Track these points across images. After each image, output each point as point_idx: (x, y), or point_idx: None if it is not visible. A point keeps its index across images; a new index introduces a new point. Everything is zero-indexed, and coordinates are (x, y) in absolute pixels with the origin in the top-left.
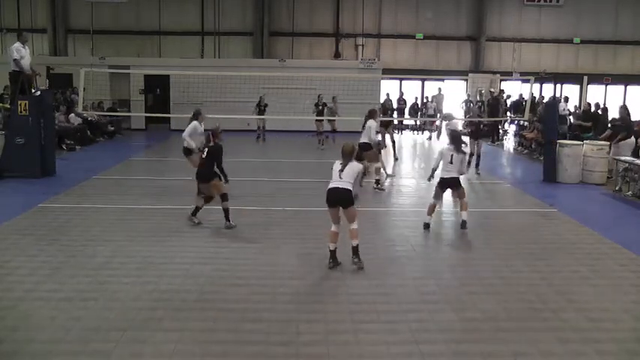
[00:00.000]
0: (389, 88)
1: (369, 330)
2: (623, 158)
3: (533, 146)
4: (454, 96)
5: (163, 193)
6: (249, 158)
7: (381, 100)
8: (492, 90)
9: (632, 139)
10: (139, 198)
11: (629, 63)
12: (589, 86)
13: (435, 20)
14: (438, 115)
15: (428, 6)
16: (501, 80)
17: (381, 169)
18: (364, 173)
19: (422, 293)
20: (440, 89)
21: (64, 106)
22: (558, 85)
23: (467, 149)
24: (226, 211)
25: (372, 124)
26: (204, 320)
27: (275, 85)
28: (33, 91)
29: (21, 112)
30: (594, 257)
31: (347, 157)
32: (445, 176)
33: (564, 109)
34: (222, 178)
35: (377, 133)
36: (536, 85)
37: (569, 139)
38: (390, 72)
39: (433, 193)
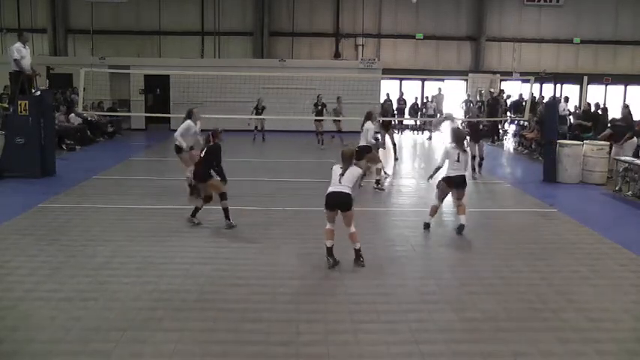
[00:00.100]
0: (389, 88)
1: (369, 330)
2: (623, 158)
3: (533, 146)
4: (454, 96)
5: (163, 193)
6: (250, 158)
7: (381, 100)
8: (492, 90)
9: (635, 139)
10: (139, 198)
11: (629, 63)
12: (589, 86)
13: (435, 20)
14: (438, 115)
15: (428, 6)
16: (501, 80)
17: (382, 170)
18: (364, 174)
19: (422, 293)
20: (440, 89)
21: (64, 106)
22: (558, 85)
23: (467, 150)
24: (226, 210)
25: (369, 126)
26: (204, 320)
27: (275, 85)
28: (33, 91)
29: (21, 112)
30: (594, 257)
31: (347, 161)
32: (452, 175)
33: (564, 110)
34: (221, 178)
35: (376, 133)
36: (536, 85)
37: (569, 139)
38: (390, 72)
39: (437, 193)
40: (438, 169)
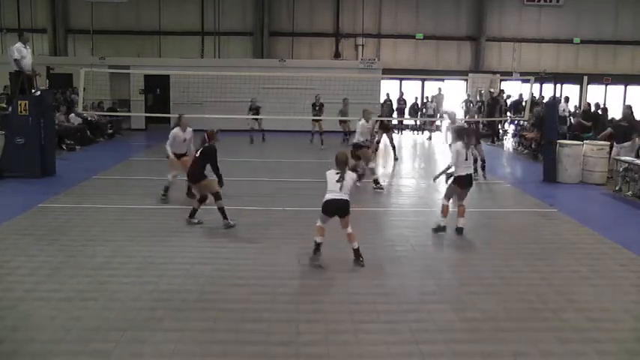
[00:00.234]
0: (389, 88)
1: (369, 330)
2: (623, 158)
3: (533, 146)
4: (454, 96)
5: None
6: (249, 158)
7: (381, 100)
8: (492, 90)
9: (638, 140)
10: (139, 198)
11: (629, 63)
12: (589, 86)
13: (435, 20)
14: (438, 115)
15: (428, 6)
16: (501, 80)
17: (375, 169)
18: (362, 175)
19: (422, 293)
20: (440, 89)
21: (65, 106)
22: (558, 85)
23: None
24: (221, 209)
25: (361, 124)
26: (204, 320)
27: (275, 85)
28: (33, 91)
29: (21, 112)
30: (594, 257)
31: (342, 165)
32: (463, 173)
33: (564, 110)
34: (218, 180)
35: (375, 133)
36: (536, 85)
37: (569, 139)
38: (390, 72)
39: (448, 192)
40: (448, 169)
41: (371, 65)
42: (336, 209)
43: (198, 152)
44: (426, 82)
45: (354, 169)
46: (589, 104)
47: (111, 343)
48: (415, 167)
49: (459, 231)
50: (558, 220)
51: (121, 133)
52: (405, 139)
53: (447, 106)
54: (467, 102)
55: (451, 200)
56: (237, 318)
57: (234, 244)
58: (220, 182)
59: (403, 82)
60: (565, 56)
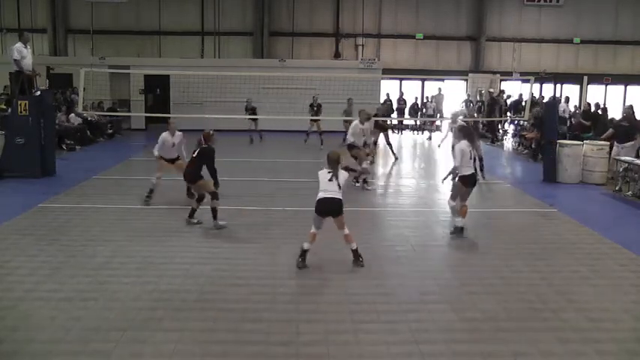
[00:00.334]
0: (389, 88)
1: (369, 330)
2: (623, 158)
3: (533, 146)
4: (454, 96)
5: (163, 193)
6: (249, 158)
7: (381, 100)
8: (491, 90)
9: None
10: (139, 198)
11: (629, 63)
12: (589, 86)
13: (435, 20)
14: (438, 115)
15: (428, 6)
16: (501, 80)
17: (366, 169)
18: (354, 171)
19: (422, 293)
20: (440, 89)
21: (65, 106)
22: (558, 85)
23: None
24: (214, 210)
25: (354, 124)
26: (204, 320)
27: (275, 85)
28: (33, 91)
29: (21, 112)
30: (594, 257)
31: (334, 164)
32: (468, 173)
33: (564, 111)
34: (214, 182)
35: (371, 133)
36: (536, 85)
37: (569, 139)
38: (390, 72)
39: (454, 192)
40: (454, 169)
41: (371, 65)
42: (329, 208)
43: (196, 152)
44: (426, 82)
45: (346, 169)
46: (589, 104)
47: (111, 343)
48: (415, 167)
49: (460, 230)
50: (558, 220)
51: (121, 133)
52: (405, 139)
53: (448, 106)
54: (467, 102)
55: (458, 199)
56: (237, 318)
57: (234, 244)
58: (216, 184)
59: (403, 82)
60: (565, 56)
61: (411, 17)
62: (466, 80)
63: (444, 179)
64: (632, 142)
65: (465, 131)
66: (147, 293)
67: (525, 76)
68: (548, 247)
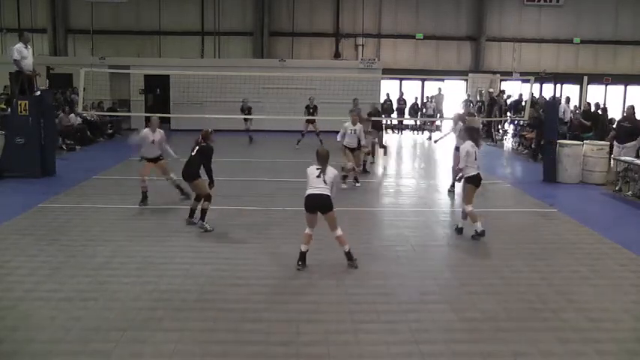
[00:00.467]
0: (389, 88)
1: (369, 330)
2: (623, 158)
3: (533, 146)
4: (454, 96)
5: (163, 193)
6: (249, 158)
7: (382, 100)
8: (491, 90)
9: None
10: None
11: (629, 63)
12: (589, 86)
13: (435, 20)
14: (438, 115)
15: (428, 6)
16: (501, 80)
17: (354, 168)
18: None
19: (422, 293)
20: (440, 89)
21: (67, 107)
22: (558, 85)
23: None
24: (204, 211)
25: (346, 125)
26: (204, 320)
27: (275, 85)
28: (33, 91)
29: (21, 112)
30: (594, 257)
31: (323, 161)
32: (474, 173)
33: (565, 112)
34: (210, 181)
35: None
36: (537, 85)
37: (569, 139)
38: (390, 72)
39: (468, 195)
40: (460, 171)
41: (371, 65)
42: (317, 204)
43: (195, 151)
44: (426, 82)
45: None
46: (589, 104)
47: (111, 343)
48: (415, 167)
49: (459, 231)
50: (558, 220)
51: (120, 133)
52: (405, 139)
53: (448, 106)
54: (467, 102)
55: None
56: (237, 318)
57: (234, 244)
58: (211, 183)
59: (403, 82)
60: (565, 56)
61: (411, 17)
62: (466, 80)
63: (457, 181)
64: (633, 143)
65: (470, 132)
66: (147, 293)
67: (525, 76)
68: (548, 247)
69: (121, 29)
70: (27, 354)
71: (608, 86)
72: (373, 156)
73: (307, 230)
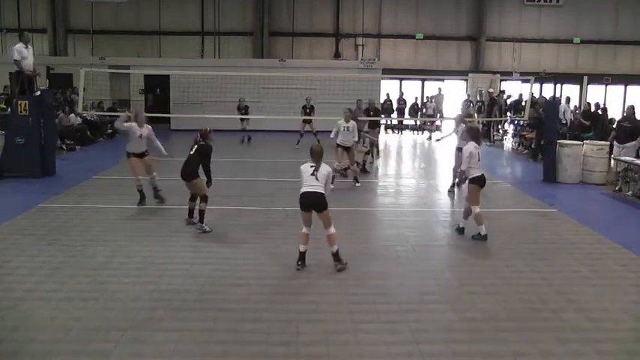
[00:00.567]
0: (389, 88)
1: (369, 330)
2: (623, 158)
3: (533, 146)
4: (454, 96)
5: (164, 193)
6: (249, 158)
7: (382, 100)
8: (491, 90)
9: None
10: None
11: (629, 63)
12: (589, 86)
13: (435, 20)
14: (438, 115)
15: (428, 6)
16: (501, 80)
17: (349, 168)
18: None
19: (422, 293)
20: (440, 89)
21: (67, 107)
22: (558, 85)
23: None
24: (202, 212)
25: (339, 123)
26: (204, 320)
27: (275, 85)
28: (34, 91)
29: (21, 112)
30: (594, 257)
31: (317, 158)
32: (478, 174)
33: (565, 112)
34: (207, 179)
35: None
36: (536, 85)
37: (569, 139)
38: (390, 72)
39: (473, 197)
40: (463, 173)
41: (371, 65)
42: (312, 202)
43: (194, 150)
44: (426, 82)
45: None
46: (589, 104)
47: (111, 343)
48: (415, 167)
49: (460, 231)
50: (558, 220)
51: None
52: (405, 139)
53: (448, 106)
54: (467, 102)
55: (478, 206)
56: (237, 318)
57: (234, 244)
58: (209, 182)
59: (403, 82)
60: (565, 56)
61: (411, 17)
62: (466, 80)
63: (460, 184)
64: (634, 143)
65: (472, 133)
66: (147, 293)
67: (525, 76)
68: (548, 247)
69: (121, 29)
70: (27, 354)
71: (608, 86)
72: (372, 156)
73: (304, 230)
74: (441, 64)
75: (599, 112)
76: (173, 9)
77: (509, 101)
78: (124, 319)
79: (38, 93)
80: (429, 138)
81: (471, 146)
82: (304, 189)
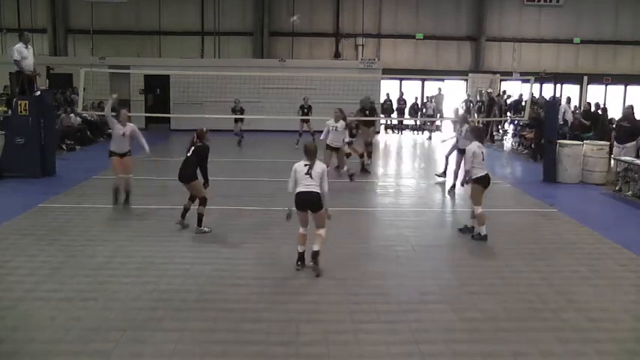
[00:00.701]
0: (389, 88)
1: (369, 330)
2: (623, 158)
3: (532, 146)
4: (454, 96)
5: (163, 193)
6: (248, 158)
7: (382, 100)
8: (490, 91)
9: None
10: (139, 198)
11: (629, 63)
12: (589, 86)
13: (435, 20)
14: (438, 115)
15: (428, 6)
16: (501, 80)
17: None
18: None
19: (422, 293)
20: (440, 89)
21: (68, 107)
22: (558, 85)
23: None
24: (200, 215)
25: (328, 123)
26: (204, 320)
27: (275, 85)
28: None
29: (21, 112)
30: (594, 257)
31: (311, 156)
32: (482, 174)
33: (565, 112)
34: (205, 180)
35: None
36: (537, 85)
37: (569, 139)
38: (390, 72)
39: (476, 197)
40: (467, 172)
41: (371, 65)
42: (307, 202)
43: (191, 151)
44: (426, 82)
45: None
46: (589, 104)
47: (111, 343)
48: (415, 167)
49: (470, 230)
50: (558, 220)
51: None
52: (405, 139)
53: (448, 106)
54: (467, 102)
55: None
56: (237, 318)
57: (234, 244)
58: (206, 183)
59: (403, 82)
60: (565, 56)
61: (411, 17)
62: (466, 80)
63: (463, 184)
64: (633, 142)
65: (476, 132)
66: (147, 293)
67: (525, 76)
68: (548, 247)
69: (121, 29)
70: (27, 354)
71: (608, 86)
72: (369, 157)
73: (301, 230)
74: (441, 64)
75: (599, 112)
76: (173, 9)
77: (509, 101)
78: (124, 319)
79: (38, 93)
80: (429, 138)
81: (474, 146)
82: (300, 189)
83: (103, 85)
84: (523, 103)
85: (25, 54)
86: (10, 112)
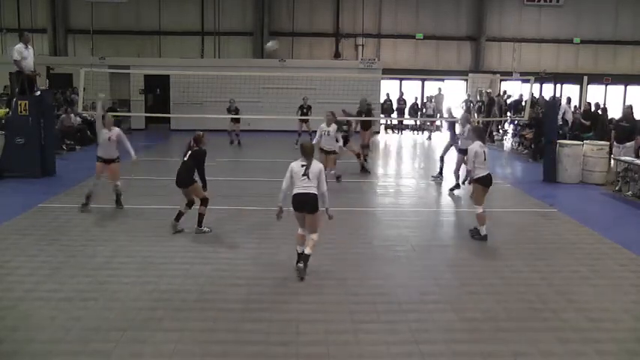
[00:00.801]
0: (389, 88)
1: (369, 330)
2: (623, 158)
3: (532, 146)
4: (454, 96)
5: (163, 193)
6: (248, 158)
7: (382, 100)
8: (489, 91)
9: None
10: (139, 198)
11: (629, 63)
12: (589, 86)
13: (435, 20)
14: (438, 115)
15: (428, 6)
16: (501, 80)
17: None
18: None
19: (422, 293)
20: (440, 89)
21: (69, 107)
22: (558, 85)
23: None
24: (201, 216)
25: (321, 126)
26: (204, 320)
27: (275, 85)
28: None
29: (21, 112)
30: (594, 257)
31: (308, 155)
32: (484, 174)
33: (565, 113)
34: (202, 184)
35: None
36: (537, 85)
37: (569, 139)
38: (390, 72)
39: (478, 197)
40: (469, 172)
41: (371, 65)
42: (304, 203)
43: (187, 156)
44: (426, 82)
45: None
46: (589, 104)
47: (111, 343)
48: (415, 167)
49: (478, 232)
50: (558, 220)
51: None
52: (405, 139)
53: (448, 106)
54: (467, 102)
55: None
56: (237, 318)
57: (234, 245)
58: (204, 187)
59: (403, 82)
60: (565, 56)
61: (411, 17)
62: (466, 80)
63: (465, 183)
64: (632, 142)
65: (478, 132)
66: (147, 293)
67: (525, 76)
68: (548, 247)
69: (121, 29)
70: (27, 354)
71: (608, 86)
72: (365, 159)
73: (299, 230)
74: (441, 64)
75: (599, 112)
76: (173, 9)
77: (509, 101)
78: (124, 319)
79: (38, 93)
80: (429, 138)
81: (476, 146)
82: (296, 190)
83: (103, 85)
84: (523, 103)
85: (25, 54)
86: (10, 112)
